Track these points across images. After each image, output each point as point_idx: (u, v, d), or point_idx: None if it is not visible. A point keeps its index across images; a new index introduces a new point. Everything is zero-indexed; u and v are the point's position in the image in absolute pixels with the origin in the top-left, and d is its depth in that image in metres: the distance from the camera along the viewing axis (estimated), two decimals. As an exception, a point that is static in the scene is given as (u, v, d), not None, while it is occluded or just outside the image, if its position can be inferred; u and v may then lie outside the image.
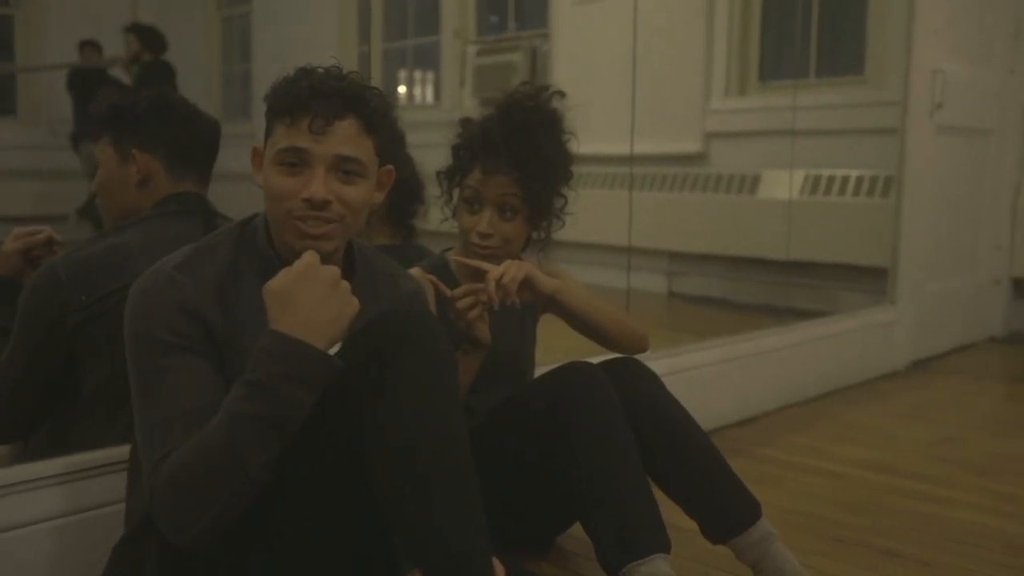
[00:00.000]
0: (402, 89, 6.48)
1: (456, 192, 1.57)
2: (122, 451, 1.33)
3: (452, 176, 1.58)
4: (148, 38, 4.93)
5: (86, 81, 5.26)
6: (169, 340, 1.12)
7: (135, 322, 1.15)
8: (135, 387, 1.14)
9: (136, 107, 1.52)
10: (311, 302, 1.07)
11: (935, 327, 3.55)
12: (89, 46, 5.44)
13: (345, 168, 1.16)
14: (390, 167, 1.25)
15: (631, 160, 2.99)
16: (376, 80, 2.03)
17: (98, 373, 1.42)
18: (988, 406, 3.00)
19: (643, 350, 1.68)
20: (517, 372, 1.69)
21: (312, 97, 1.15)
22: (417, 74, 6.57)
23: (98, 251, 1.43)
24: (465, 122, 1.58)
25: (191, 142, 1.54)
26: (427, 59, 6.24)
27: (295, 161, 1.15)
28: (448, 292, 1.49)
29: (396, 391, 1.10)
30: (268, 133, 1.20)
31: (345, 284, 1.12)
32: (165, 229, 1.46)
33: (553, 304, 1.57)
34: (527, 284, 1.48)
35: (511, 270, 1.45)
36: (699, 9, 4.65)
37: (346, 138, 1.16)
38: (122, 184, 1.51)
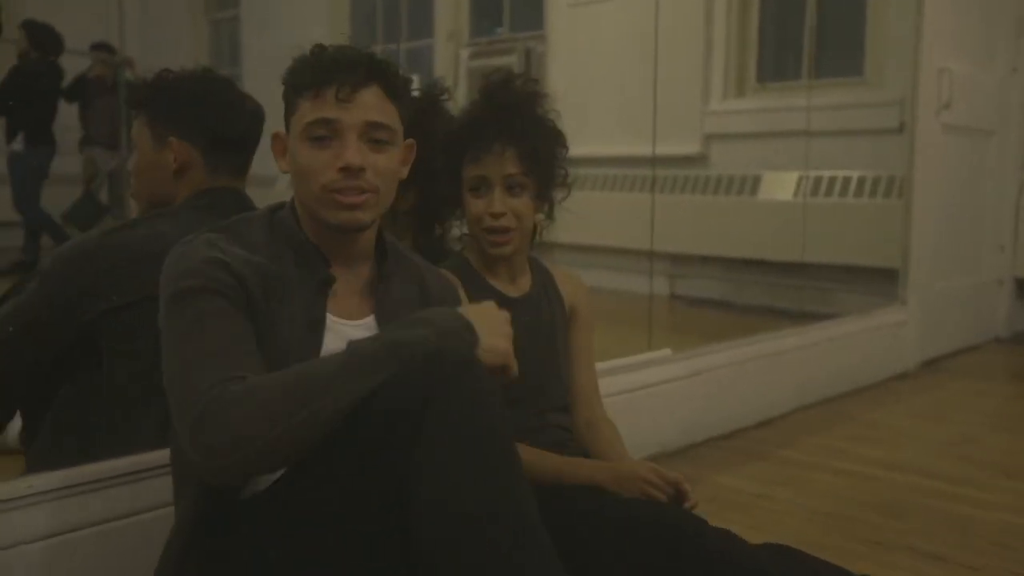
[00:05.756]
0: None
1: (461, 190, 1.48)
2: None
3: (451, 174, 1.48)
4: (38, 36, 4.61)
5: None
6: (210, 287, 1.07)
7: (174, 279, 1.09)
8: (171, 338, 1.07)
9: (176, 90, 1.45)
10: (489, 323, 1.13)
11: (942, 328, 3.54)
12: (103, 49, 5.24)
13: (375, 136, 1.14)
14: (412, 141, 1.22)
15: (653, 162, 2.95)
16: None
17: (130, 365, 1.35)
18: (999, 406, 2.99)
19: None
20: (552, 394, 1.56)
21: (335, 67, 1.13)
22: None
23: (136, 240, 1.37)
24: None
25: (231, 131, 1.47)
26: (419, 62, 6.19)
27: (324, 133, 1.12)
28: None
29: (436, 440, 1.00)
30: (291, 112, 1.17)
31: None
32: (199, 224, 1.40)
33: None
34: None
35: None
36: (697, 12, 4.64)
37: (373, 105, 1.14)
38: (158, 170, 1.45)
